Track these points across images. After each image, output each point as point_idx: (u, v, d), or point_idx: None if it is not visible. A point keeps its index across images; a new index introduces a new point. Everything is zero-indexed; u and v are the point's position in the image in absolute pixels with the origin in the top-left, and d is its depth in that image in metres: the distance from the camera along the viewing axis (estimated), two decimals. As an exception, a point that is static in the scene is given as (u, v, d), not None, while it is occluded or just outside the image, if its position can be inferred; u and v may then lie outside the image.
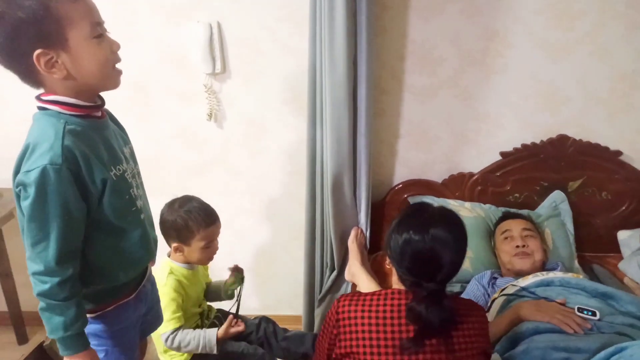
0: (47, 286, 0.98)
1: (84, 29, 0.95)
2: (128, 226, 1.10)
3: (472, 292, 1.72)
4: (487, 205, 1.99)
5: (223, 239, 1.93)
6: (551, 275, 1.61)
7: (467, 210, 1.93)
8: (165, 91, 1.92)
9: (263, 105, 1.93)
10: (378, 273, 1.86)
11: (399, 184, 2.04)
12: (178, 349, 1.49)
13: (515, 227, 1.79)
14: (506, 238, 1.78)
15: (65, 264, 0.99)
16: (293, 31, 1.80)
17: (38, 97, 1.00)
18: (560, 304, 1.44)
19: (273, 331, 1.75)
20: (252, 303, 2.26)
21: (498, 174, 1.99)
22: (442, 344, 1.05)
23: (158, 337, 1.51)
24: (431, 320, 1.02)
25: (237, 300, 1.72)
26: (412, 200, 2.00)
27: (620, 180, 1.96)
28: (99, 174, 1.00)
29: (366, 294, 1.13)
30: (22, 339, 2.16)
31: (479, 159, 2.01)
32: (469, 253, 1.82)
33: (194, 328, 1.58)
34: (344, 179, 1.78)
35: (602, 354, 1.14)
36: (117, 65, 1.04)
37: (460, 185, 2.02)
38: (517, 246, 1.73)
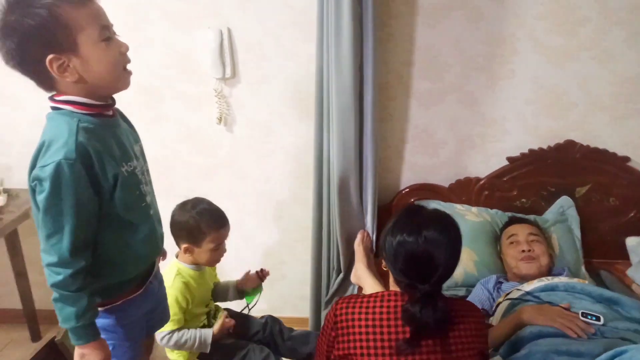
0: (60, 277, 1.02)
1: (93, 33, 0.99)
2: (137, 221, 1.14)
3: (477, 296, 1.73)
4: (494, 210, 1.99)
5: (231, 240, 1.97)
6: (556, 280, 1.61)
7: (473, 215, 1.94)
8: (176, 95, 1.97)
9: (271, 109, 1.97)
10: (384, 276, 1.87)
11: (405, 188, 2.06)
12: (174, 347, 1.52)
13: (521, 231, 1.79)
14: (512, 243, 1.78)
15: (78, 255, 1.03)
16: (301, 37, 1.83)
17: (51, 98, 1.04)
18: (565, 308, 1.44)
19: (279, 330, 1.77)
20: (259, 304, 2.27)
21: (505, 179, 1.99)
22: (438, 344, 1.06)
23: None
24: (425, 321, 1.03)
25: (248, 305, 1.77)
26: (418, 204, 2.01)
27: (628, 186, 1.96)
28: (111, 169, 1.04)
29: (363, 296, 1.14)
30: (35, 336, 2.22)
31: (485, 163, 2.02)
32: (474, 257, 1.83)
33: (201, 327, 1.61)
34: (350, 183, 1.81)
35: (603, 357, 1.14)
36: (128, 66, 1.08)
37: (466, 189, 2.03)
38: (523, 250, 1.73)
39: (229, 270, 2.16)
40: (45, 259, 1.03)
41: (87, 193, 1.01)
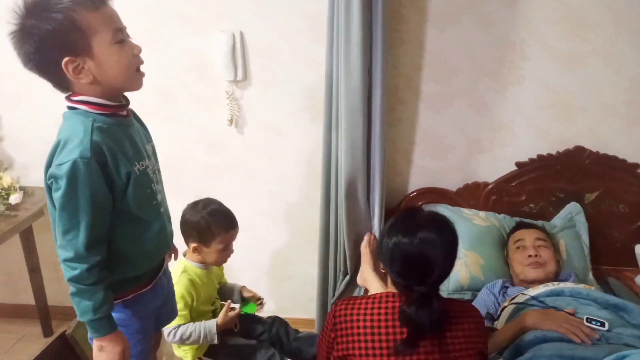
0: (77, 272, 1.05)
1: (106, 36, 1.02)
2: (148, 218, 1.17)
3: (483, 300, 1.73)
4: (502, 215, 1.99)
5: (240, 240, 1.99)
6: (562, 285, 1.61)
7: (481, 219, 1.94)
8: (189, 97, 2.01)
9: (282, 111, 1.99)
10: (384, 278, 1.88)
11: (413, 192, 2.07)
12: (180, 342, 1.55)
13: (528, 236, 1.79)
14: (519, 247, 1.79)
15: (93, 250, 1.06)
16: (311, 41, 1.86)
17: (67, 98, 1.08)
18: (570, 313, 1.44)
19: (285, 331, 1.79)
20: (267, 305, 2.30)
21: (513, 184, 2.00)
22: (435, 345, 1.07)
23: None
24: (421, 322, 1.05)
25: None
26: (426, 208, 2.02)
27: (638, 193, 1.94)
28: (124, 167, 1.07)
29: (362, 298, 1.16)
30: (47, 331, 2.27)
31: (493, 168, 2.02)
32: (481, 261, 1.83)
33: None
34: (358, 185, 1.82)
35: (604, 361, 1.14)
36: (141, 68, 1.12)
37: (474, 194, 2.03)
38: (530, 255, 1.73)
39: (238, 269, 2.19)
40: (61, 254, 1.06)
41: (102, 190, 1.05)
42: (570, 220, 1.96)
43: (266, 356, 1.62)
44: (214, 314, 1.67)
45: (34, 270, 2.15)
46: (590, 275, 1.88)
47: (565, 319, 1.41)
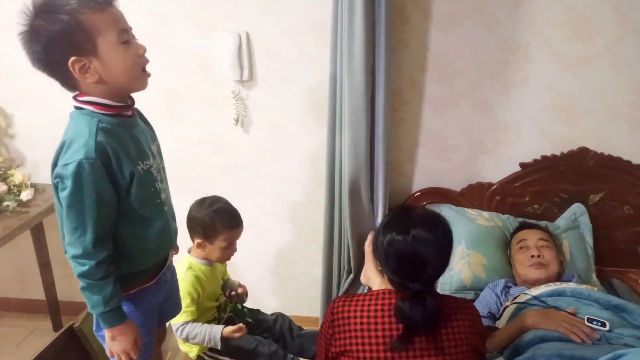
0: (86, 267, 1.09)
1: (112, 36, 1.05)
2: (152, 216, 1.20)
3: (485, 299, 1.74)
4: (506, 216, 2.00)
5: (246, 239, 2.02)
6: (564, 285, 1.61)
7: (484, 220, 1.95)
8: (196, 97, 2.04)
9: (287, 111, 2.02)
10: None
11: (417, 192, 2.08)
12: (186, 340, 1.58)
13: (531, 237, 1.80)
14: (522, 248, 1.79)
15: (100, 246, 1.09)
16: (316, 42, 1.88)
17: (75, 98, 1.11)
18: (571, 313, 1.45)
19: (289, 328, 1.81)
20: (271, 303, 2.34)
21: (517, 185, 2.00)
22: (430, 341, 1.08)
23: (178, 329, 1.60)
24: (414, 319, 1.06)
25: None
26: (430, 207, 2.04)
27: (643, 195, 1.95)
28: (127, 167, 1.10)
29: (359, 295, 1.18)
30: (57, 326, 2.30)
31: (497, 169, 2.03)
32: (484, 261, 1.84)
33: (211, 319, 1.67)
34: (361, 185, 1.84)
35: (601, 359, 1.15)
36: (147, 68, 1.14)
37: (478, 194, 2.04)
38: (532, 256, 1.73)
39: (242, 267, 2.22)
40: (70, 251, 1.10)
41: (107, 189, 1.08)
42: (574, 221, 1.96)
43: (269, 351, 1.64)
44: (219, 309, 1.70)
45: (45, 265, 2.20)
46: (594, 276, 1.88)
47: (565, 319, 1.42)
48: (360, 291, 2.02)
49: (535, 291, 1.62)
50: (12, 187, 1.96)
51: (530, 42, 1.84)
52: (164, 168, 1.29)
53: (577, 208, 1.98)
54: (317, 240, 2.09)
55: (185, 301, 1.51)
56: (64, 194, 1.05)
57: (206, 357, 1.65)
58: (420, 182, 2.10)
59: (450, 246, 1.14)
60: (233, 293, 1.77)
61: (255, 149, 2.10)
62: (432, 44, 1.88)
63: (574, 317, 1.43)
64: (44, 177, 2.16)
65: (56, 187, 1.09)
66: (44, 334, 2.29)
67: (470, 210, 2.00)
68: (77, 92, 1.11)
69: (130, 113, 1.18)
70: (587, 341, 1.35)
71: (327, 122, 1.85)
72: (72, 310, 2.30)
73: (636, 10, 1.76)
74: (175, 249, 1.53)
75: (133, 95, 1.19)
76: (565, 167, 1.95)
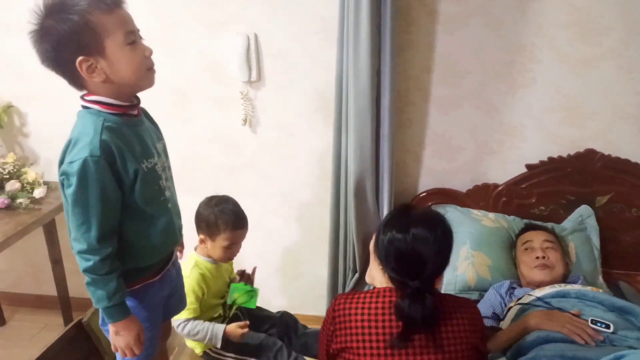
0: (90, 263, 1.12)
1: (119, 37, 1.08)
2: (156, 213, 1.22)
3: (490, 300, 1.74)
4: (512, 217, 2.00)
5: (253, 238, 2.04)
6: (568, 287, 1.61)
7: (489, 221, 1.95)
8: (205, 97, 2.07)
9: (294, 112, 2.04)
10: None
11: (422, 192, 2.09)
12: (186, 336, 1.61)
13: (536, 238, 1.80)
14: (527, 249, 1.79)
15: (105, 242, 1.12)
16: (324, 44, 1.90)
17: (82, 97, 1.15)
18: (575, 315, 1.45)
19: (294, 326, 1.83)
20: (277, 302, 2.36)
21: (523, 186, 2.00)
22: (430, 339, 1.09)
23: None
24: (413, 317, 1.07)
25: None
26: (435, 208, 2.04)
27: (651, 197, 1.93)
28: (132, 165, 1.13)
29: (360, 293, 1.19)
30: (68, 322, 2.33)
31: (503, 170, 2.02)
32: (489, 262, 1.84)
33: (216, 317, 1.69)
34: (367, 185, 1.86)
35: (602, 360, 1.15)
36: (155, 68, 1.17)
37: (484, 195, 2.04)
38: (537, 257, 1.73)
39: (249, 266, 2.23)
40: (75, 246, 1.13)
41: (111, 186, 1.11)
42: (581, 223, 1.95)
43: (274, 349, 1.66)
44: (224, 307, 1.73)
45: (57, 262, 2.24)
46: (600, 279, 1.87)
47: (569, 320, 1.41)
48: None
49: (540, 292, 1.61)
50: (25, 185, 2.01)
51: (536, 43, 1.84)
52: (169, 167, 1.32)
53: (583, 210, 1.97)
54: (324, 240, 2.10)
55: (189, 298, 1.54)
56: (69, 191, 1.09)
57: (212, 353, 1.67)
58: (425, 182, 2.11)
59: (450, 245, 1.15)
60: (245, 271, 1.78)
61: (262, 149, 2.12)
62: (438, 45, 1.89)
63: (577, 319, 1.42)
64: (57, 175, 2.20)
65: (62, 184, 1.12)
66: (55, 330, 2.33)
67: (475, 211, 2.00)
68: (84, 91, 1.15)
69: (135, 112, 1.21)
70: (590, 343, 1.35)
71: (333, 123, 1.86)
72: (83, 305, 2.32)
73: (643, 12, 1.75)
74: (181, 245, 1.55)
75: (143, 94, 1.22)
76: (572, 169, 1.94)
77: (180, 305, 1.49)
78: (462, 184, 2.07)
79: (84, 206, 1.09)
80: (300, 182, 2.15)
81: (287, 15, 1.90)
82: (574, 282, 1.72)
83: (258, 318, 1.82)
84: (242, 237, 1.66)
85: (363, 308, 1.14)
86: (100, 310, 1.21)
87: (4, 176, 1.98)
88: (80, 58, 1.06)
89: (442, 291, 1.81)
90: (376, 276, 1.81)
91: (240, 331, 1.61)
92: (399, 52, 1.83)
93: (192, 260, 1.63)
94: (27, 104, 2.18)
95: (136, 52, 1.11)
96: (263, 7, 1.90)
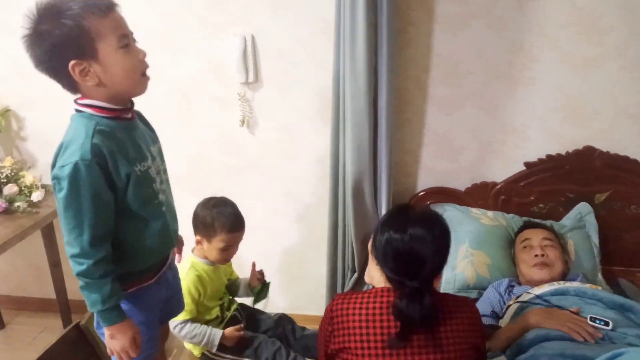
0: (84, 267, 1.12)
1: (112, 41, 1.08)
2: (149, 216, 1.22)
3: (489, 298, 1.74)
4: (510, 215, 1.99)
5: (255, 238, 2.05)
6: (567, 284, 1.61)
7: (488, 219, 1.95)
8: (205, 98, 2.06)
9: (292, 113, 2.04)
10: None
11: (421, 192, 2.09)
12: (183, 338, 1.60)
13: (535, 236, 1.79)
14: (525, 247, 1.79)
15: (98, 246, 1.12)
16: (322, 44, 1.89)
17: (75, 101, 1.15)
18: (574, 313, 1.45)
19: (291, 329, 1.83)
20: (279, 302, 2.36)
21: (522, 184, 1.99)
22: (429, 339, 1.09)
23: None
24: (412, 316, 1.07)
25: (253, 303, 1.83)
26: (434, 207, 2.04)
27: (651, 194, 1.93)
28: (124, 168, 1.13)
29: (358, 293, 1.19)
30: (67, 324, 2.33)
31: (504, 170, 2.02)
32: (488, 260, 1.84)
33: (214, 318, 1.69)
34: (365, 185, 1.86)
35: (601, 358, 1.14)
36: (147, 72, 1.17)
37: (483, 194, 2.04)
38: (536, 255, 1.73)
39: (250, 267, 2.23)
40: (68, 250, 1.13)
41: (103, 190, 1.10)
42: (580, 220, 1.94)
43: (272, 350, 1.65)
44: (222, 308, 1.72)
45: (55, 265, 2.24)
46: (600, 276, 1.86)
47: (568, 318, 1.41)
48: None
49: (539, 290, 1.61)
50: (23, 188, 2.01)
51: (537, 43, 1.83)
52: (164, 170, 1.31)
53: (582, 207, 1.96)
54: (325, 240, 2.09)
55: (185, 299, 1.53)
56: (60, 195, 1.08)
57: (210, 355, 1.67)
58: (425, 182, 2.10)
59: (448, 244, 1.15)
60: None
61: (262, 150, 2.12)
62: (438, 46, 1.88)
63: (577, 317, 1.42)
64: (55, 178, 2.20)
65: (54, 188, 1.11)
66: (54, 332, 2.33)
67: (474, 210, 2.00)
68: (78, 95, 1.14)
69: (129, 116, 1.20)
70: (590, 340, 1.35)
71: (331, 123, 1.86)
72: (83, 308, 2.33)
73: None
74: (178, 248, 1.55)
75: (141, 97, 1.22)
76: (571, 167, 1.94)
77: (178, 308, 1.49)
78: (461, 184, 2.06)
79: (75, 210, 1.08)
80: (301, 182, 2.15)
81: (286, 16, 1.90)
82: (573, 280, 1.71)
83: (256, 320, 1.82)
84: (239, 239, 1.65)
85: (361, 308, 1.14)
86: (95, 314, 1.20)
87: (2, 180, 1.98)
88: (73, 62, 1.06)
89: (441, 290, 1.80)
90: (375, 276, 1.81)
91: (237, 334, 1.61)
92: (398, 51, 1.82)
93: (189, 261, 1.63)
94: (25, 107, 2.18)
95: (130, 55, 1.11)
96: (262, 8, 1.90)
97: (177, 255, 1.54)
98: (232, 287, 1.81)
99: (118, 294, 1.18)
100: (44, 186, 2.08)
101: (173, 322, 1.58)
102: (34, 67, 1.09)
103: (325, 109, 1.97)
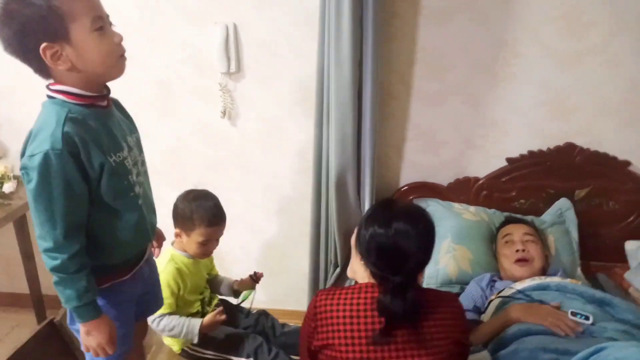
0: (58, 261, 1.07)
1: (85, 23, 1.02)
2: (125, 209, 1.17)
3: (471, 293, 1.74)
4: (492, 210, 2.00)
5: (236, 232, 2.01)
6: (548, 279, 1.62)
7: (470, 214, 1.95)
8: (185, 89, 2.01)
9: (275, 105, 2.00)
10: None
11: (404, 186, 2.08)
12: (162, 332, 1.56)
13: (516, 231, 1.80)
14: (507, 242, 1.79)
15: (72, 239, 1.07)
16: (305, 35, 1.86)
17: (47, 87, 1.09)
18: (555, 307, 1.46)
19: (271, 326, 1.81)
20: (259, 296, 2.31)
21: (504, 180, 2.00)
22: (413, 334, 1.08)
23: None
24: (395, 312, 1.06)
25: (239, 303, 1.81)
26: (417, 202, 2.04)
27: (629, 190, 1.95)
28: (97, 158, 1.07)
29: (342, 288, 1.17)
30: (41, 320, 2.28)
31: (485, 164, 2.02)
32: (470, 255, 1.84)
33: (194, 313, 1.66)
34: (348, 179, 1.84)
35: (582, 353, 1.15)
36: (125, 55, 1.11)
37: (465, 189, 2.04)
38: (517, 250, 1.74)
39: (232, 261, 2.21)
40: (41, 245, 1.08)
41: (76, 180, 1.05)
42: (560, 216, 1.96)
43: (254, 345, 1.63)
44: (202, 303, 1.69)
45: (28, 258, 2.17)
46: (579, 271, 1.89)
47: (549, 312, 1.42)
48: (347, 284, 2.01)
49: (520, 285, 1.62)
50: (-6, 179, 1.94)
51: (519, 37, 1.83)
52: (142, 161, 1.26)
53: (562, 203, 1.98)
54: (306, 234, 2.08)
55: (164, 293, 1.49)
56: (30, 186, 1.03)
57: (190, 351, 1.64)
58: (408, 176, 2.09)
59: (432, 239, 1.14)
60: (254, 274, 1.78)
61: (243, 142, 2.08)
62: (422, 39, 1.87)
63: (558, 311, 1.43)
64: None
65: (23, 179, 1.06)
66: (27, 328, 2.26)
67: (456, 205, 2.00)
68: (51, 80, 1.09)
69: (105, 103, 1.15)
70: (570, 334, 1.36)
71: (314, 116, 1.83)
72: (57, 304, 2.27)
73: (629, 6, 1.75)
74: (159, 239, 1.51)
75: (123, 86, 1.16)
76: (552, 163, 1.95)
77: (155, 303, 1.45)
78: (444, 178, 2.06)
79: (47, 202, 1.03)
80: (282, 175, 2.12)
81: (269, 5, 1.86)
82: (554, 275, 1.73)
83: (236, 316, 1.79)
84: (219, 234, 1.61)
85: (345, 304, 1.12)
86: (69, 310, 1.16)
87: (-28, 170, 1.91)
88: (44, 45, 1.01)
89: (424, 285, 1.80)
90: (358, 271, 1.80)
91: (218, 319, 1.57)
92: (382, 44, 1.80)
93: (168, 254, 1.59)
94: (-4, 95, 2.10)
95: (105, 38, 1.06)
96: (245, -5, 1.86)
97: (155, 250, 1.50)
98: (214, 283, 1.78)
99: (94, 289, 1.13)
100: (16, 177, 2.02)
101: (151, 317, 1.54)
102: (3, 49, 1.03)
103: (307, 100, 1.94)
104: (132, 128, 1.26)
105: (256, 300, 2.11)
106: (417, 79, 1.94)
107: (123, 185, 1.15)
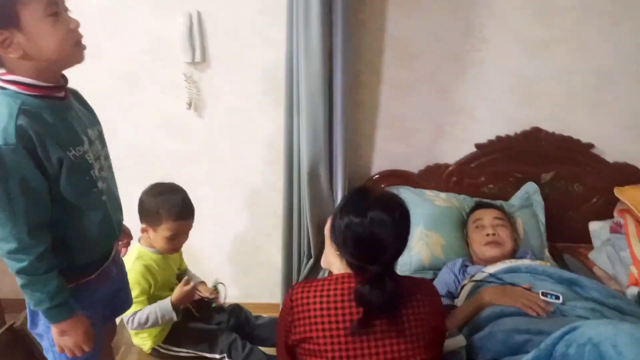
0: (25, 263, 1.01)
1: (38, 7, 0.96)
2: (87, 207, 1.11)
3: (443, 279, 1.76)
4: (462, 196, 2.02)
5: (206, 228, 1.95)
6: (519, 262, 1.65)
7: (442, 200, 1.97)
8: (148, 80, 1.94)
9: (243, 95, 1.95)
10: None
11: (375, 174, 2.08)
12: (139, 327, 1.51)
13: (486, 216, 1.83)
14: (477, 227, 1.82)
15: (38, 237, 1.02)
16: (273, 23, 1.82)
17: None
18: (527, 289, 1.48)
19: (245, 319, 1.77)
20: (232, 291, 2.27)
21: (473, 166, 2.03)
22: (391, 323, 1.07)
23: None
24: (374, 302, 1.05)
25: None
26: (388, 189, 2.03)
27: (592, 173, 2.01)
28: (55, 153, 1.01)
29: (318, 280, 1.15)
30: (1, 325, 2.17)
31: (455, 151, 2.05)
32: (442, 241, 1.86)
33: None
34: (320, 169, 1.82)
35: (557, 333, 1.17)
36: (82, 42, 1.05)
37: (436, 176, 2.05)
38: (488, 234, 1.76)
39: (205, 256, 2.16)
40: (4, 247, 1.01)
41: (33, 176, 0.99)
42: (527, 199, 2.00)
43: (228, 341, 1.60)
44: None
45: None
46: (547, 253, 1.93)
47: (521, 294, 1.44)
48: (321, 276, 2.00)
49: (492, 269, 1.64)
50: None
51: (486, 24, 1.84)
52: (106, 155, 1.20)
53: (529, 187, 2.02)
54: (278, 227, 2.05)
55: (134, 292, 1.45)
56: None
57: (161, 350, 1.59)
58: (380, 165, 2.09)
59: (408, 227, 1.13)
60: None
61: (211, 134, 2.03)
62: (391, 27, 1.86)
63: (529, 292, 1.46)
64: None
65: None
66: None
67: (428, 192, 2.01)
68: (2, 70, 1.02)
69: (62, 94, 1.08)
70: (542, 314, 1.38)
71: (284, 106, 1.80)
72: (18, 307, 2.17)
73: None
74: (126, 240, 1.45)
75: (77, 80, 1.09)
76: (519, 148, 1.99)
77: (125, 303, 1.39)
78: (416, 166, 2.07)
79: (5, 201, 0.97)
80: (251, 168, 2.08)
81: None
82: (523, 257, 1.76)
83: (209, 312, 1.74)
84: (187, 228, 1.57)
85: (322, 296, 1.10)
86: (29, 312, 1.10)
87: None
88: None
89: (398, 272, 1.80)
90: (333, 262, 1.78)
91: (185, 290, 1.52)
92: (353, 32, 1.78)
93: (136, 251, 1.53)
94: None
95: (59, 24, 0.99)
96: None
97: (122, 249, 1.43)
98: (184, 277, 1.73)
99: (65, 288, 1.08)
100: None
101: (125, 318, 1.49)
102: None
103: (276, 89, 1.90)
104: (93, 120, 1.19)
105: (229, 295, 2.07)
106: (387, 67, 1.93)
107: (85, 180, 1.09)
